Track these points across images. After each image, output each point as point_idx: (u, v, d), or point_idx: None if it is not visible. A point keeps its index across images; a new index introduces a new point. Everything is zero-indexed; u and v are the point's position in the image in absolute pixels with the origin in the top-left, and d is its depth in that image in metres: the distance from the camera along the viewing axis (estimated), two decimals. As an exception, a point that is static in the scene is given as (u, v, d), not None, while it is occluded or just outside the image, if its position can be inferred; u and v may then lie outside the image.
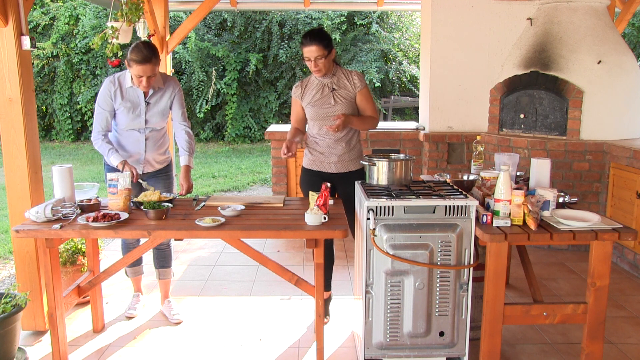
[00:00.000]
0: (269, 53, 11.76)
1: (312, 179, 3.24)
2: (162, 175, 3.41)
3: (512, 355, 2.99)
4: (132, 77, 3.10)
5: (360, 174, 3.19)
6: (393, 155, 2.94)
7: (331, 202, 2.90)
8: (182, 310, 3.53)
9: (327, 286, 3.41)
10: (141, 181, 3.14)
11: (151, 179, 3.35)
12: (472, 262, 2.59)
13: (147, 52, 2.98)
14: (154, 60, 3.01)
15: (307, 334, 3.24)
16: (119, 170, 3.04)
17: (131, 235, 2.60)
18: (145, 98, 3.18)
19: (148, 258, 3.70)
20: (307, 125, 3.33)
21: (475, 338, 2.89)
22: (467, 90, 5.08)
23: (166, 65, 5.00)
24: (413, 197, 2.58)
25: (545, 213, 2.66)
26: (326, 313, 3.42)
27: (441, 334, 2.66)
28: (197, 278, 4.14)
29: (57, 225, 2.56)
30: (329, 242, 3.37)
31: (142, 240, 2.97)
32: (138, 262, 3.52)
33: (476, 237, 2.58)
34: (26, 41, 2.97)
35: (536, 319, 2.59)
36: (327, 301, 3.46)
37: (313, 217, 2.57)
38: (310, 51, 3.02)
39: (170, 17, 10.37)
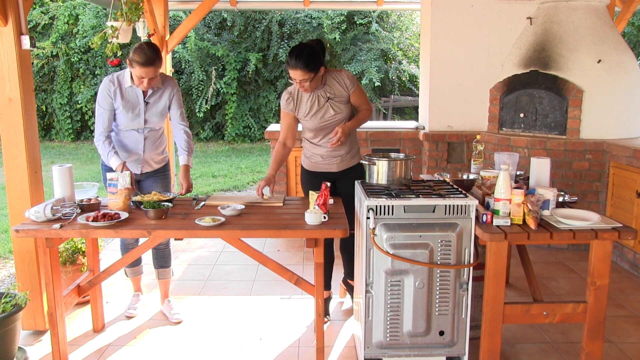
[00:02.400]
0: (268, 52, 11.76)
1: (314, 179, 3.23)
2: (160, 175, 3.41)
3: (512, 355, 2.99)
4: (132, 77, 3.09)
5: (360, 169, 3.22)
6: (393, 155, 2.94)
7: (331, 201, 2.90)
8: (182, 309, 3.53)
9: (327, 285, 3.42)
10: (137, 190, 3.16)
11: (149, 178, 3.36)
12: (472, 262, 2.59)
13: (151, 54, 2.96)
14: (157, 63, 3.01)
15: (307, 333, 3.25)
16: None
17: (131, 235, 2.60)
18: (144, 98, 3.17)
19: (148, 258, 3.70)
20: (300, 132, 3.27)
21: (475, 337, 2.88)
22: (467, 90, 5.08)
23: (166, 65, 5.00)
24: (413, 196, 2.58)
25: (545, 212, 2.65)
26: (326, 313, 3.42)
27: (441, 333, 2.66)
28: (197, 278, 4.14)
29: (57, 225, 2.56)
30: (328, 242, 3.37)
31: (141, 241, 2.97)
32: (137, 262, 3.53)
33: (476, 237, 2.58)
34: (26, 41, 2.97)
35: (536, 318, 2.59)
36: (327, 301, 3.46)
37: (313, 216, 2.57)
38: (295, 74, 2.91)
39: (170, 17, 10.36)
